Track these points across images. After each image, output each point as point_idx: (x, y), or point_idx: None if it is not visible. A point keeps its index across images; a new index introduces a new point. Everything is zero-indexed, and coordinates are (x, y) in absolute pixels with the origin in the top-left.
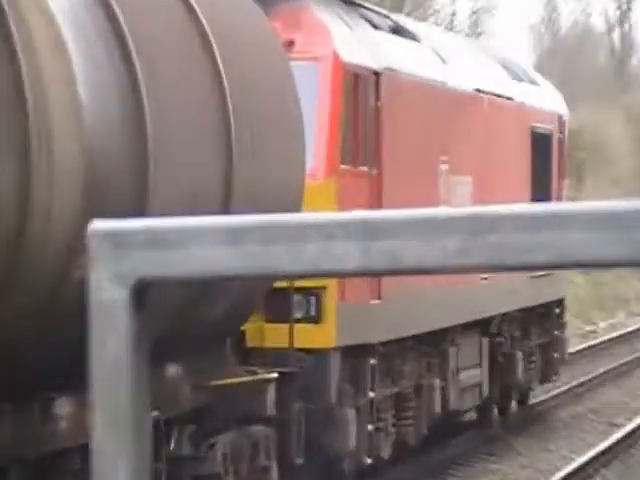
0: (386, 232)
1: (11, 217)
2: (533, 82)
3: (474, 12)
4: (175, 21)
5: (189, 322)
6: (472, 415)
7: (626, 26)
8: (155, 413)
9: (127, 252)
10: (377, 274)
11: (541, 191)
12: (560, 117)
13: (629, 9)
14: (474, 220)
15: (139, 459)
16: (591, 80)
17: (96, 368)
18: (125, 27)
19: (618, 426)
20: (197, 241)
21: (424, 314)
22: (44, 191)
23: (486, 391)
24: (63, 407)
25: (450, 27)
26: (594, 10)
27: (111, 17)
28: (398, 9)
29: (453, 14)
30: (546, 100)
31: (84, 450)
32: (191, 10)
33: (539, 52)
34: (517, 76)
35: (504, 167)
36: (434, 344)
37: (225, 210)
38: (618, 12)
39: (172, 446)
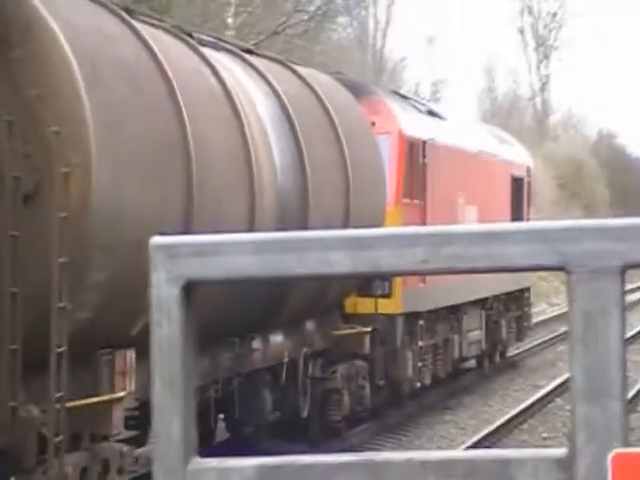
0: (369, 245)
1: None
2: (511, 144)
3: (434, 83)
4: (319, 117)
5: (319, 299)
6: (472, 363)
7: (545, 94)
8: (304, 350)
9: (178, 260)
10: (362, 276)
11: (517, 215)
12: (528, 167)
13: (547, 82)
14: (434, 236)
15: (187, 414)
16: (520, 133)
17: (155, 344)
18: (296, 122)
19: (540, 387)
20: (229, 252)
21: (449, 294)
22: (259, 205)
23: (483, 345)
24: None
25: (416, 94)
26: (522, 82)
27: (288, 117)
28: (378, 80)
29: (418, 84)
30: (519, 156)
31: (269, 369)
32: (326, 110)
33: (482, 112)
34: (501, 140)
35: (495, 199)
36: (454, 313)
37: (345, 226)
38: (540, 84)
39: (310, 370)
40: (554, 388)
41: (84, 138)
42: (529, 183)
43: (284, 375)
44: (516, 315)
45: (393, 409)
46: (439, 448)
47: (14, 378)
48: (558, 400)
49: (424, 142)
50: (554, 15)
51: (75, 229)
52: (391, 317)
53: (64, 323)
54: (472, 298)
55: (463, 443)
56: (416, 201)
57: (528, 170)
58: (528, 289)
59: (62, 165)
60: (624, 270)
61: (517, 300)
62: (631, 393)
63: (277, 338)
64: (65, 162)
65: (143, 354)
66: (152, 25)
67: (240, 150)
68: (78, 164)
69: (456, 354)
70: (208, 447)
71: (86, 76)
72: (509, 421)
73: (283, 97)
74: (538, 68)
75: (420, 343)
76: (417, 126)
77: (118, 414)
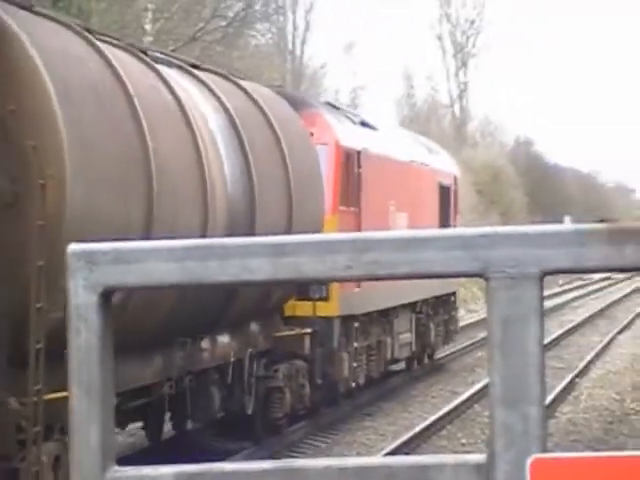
0: (291, 251)
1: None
2: (438, 153)
3: (353, 90)
4: (264, 130)
5: (261, 302)
6: (402, 365)
7: (464, 101)
8: (249, 350)
9: (96, 267)
10: (283, 283)
11: (445, 222)
12: (455, 176)
13: (465, 89)
14: (356, 242)
15: (106, 421)
16: (438, 139)
17: (73, 352)
18: (244, 135)
19: (459, 394)
20: (149, 259)
21: (381, 298)
22: (212, 216)
23: (414, 347)
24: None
25: (335, 100)
26: (441, 89)
27: (236, 130)
28: (297, 87)
29: (337, 91)
30: (446, 165)
31: (217, 368)
32: (270, 123)
33: (400, 118)
34: (430, 150)
35: (424, 206)
36: (386, 316)
37: (289, 232)
38: (458, 90)
39: (254, 369)
40: (472, 394)
41: (59, 152)
42: (456, 191)
43: (230, 374)
44: (444, 319)
45: (330, 408)
46: (358, 454)
47: None
48: (476, 406)
49: (359, 152)
50: (472, 22)
51: (51, 236)
52: (328, 320)
53: (42, 322)
54: (403, 302)
55: (382, 449)
56: (352, 208)
57: (455, 179)
58: (454, 293)
59: (39, 177)
60: (542, 276)
61: (445, 304)
62: (549, 399)
63: (224, 339)
64: (42, 174)
65: None
66: (112, 44)
67: (195, 164)
68: (53, 176)
69: (388, 355)
70: (155, 448)
71: (59, 95)
72: (428, 427)
73: (231, 111)
74: (457, 75)
75: (355, 344)
76: (352, 137)
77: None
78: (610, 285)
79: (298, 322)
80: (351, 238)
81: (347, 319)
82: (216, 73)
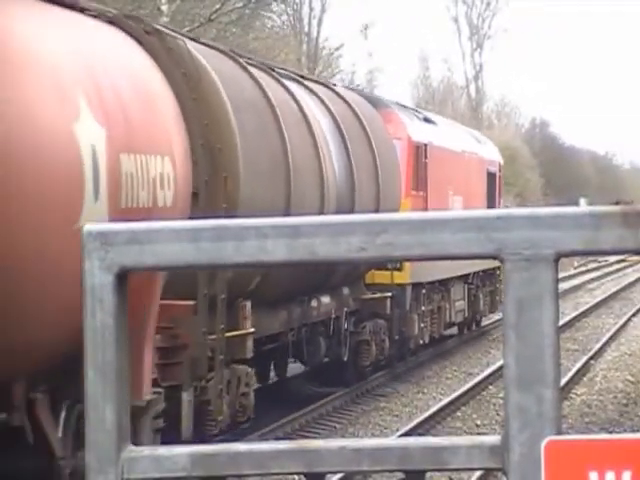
0: (305, 233)
1: (317, 211)
2: (485, 143)
3: (369, 71)
4: (357, 129)
5: (351, 272)
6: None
7: (479, 82)
8: (345, 309)
9: (112, 247)
10: (298, 264)
11: (491, 204)
12: (499, 163)
13: (481, 70)
14: (370, 224)
15: (121, 401)
16: (454, 120)
17: (88, 332)
18: (345, 135)
19: (474, 375)
20: (164, 239)
21: (442, 270)
22: (327, 199)
23: (466, 313)
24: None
25: (351, 82)
26: (456, 70)
27: (339, 130)
28: (313, 68)
29: (353, 73)
30: (492, 153)
31: (323, 322)
32: (361, 123)
33: (416, 100)
34: (478, 140)
35: (475, 191)
36: (445, 285)
37: (377, 211)
38: (473, 72)
39: (347, 325)
40: (487, 376)
41: (235, 153)
42: (500, 177)
43: (332, 328)
44: (490, 290)
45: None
46: (373, 436)
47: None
48: (491, 388)
49: (425, 145)
50: (488, 4)
51: (230, 215)
52: (402, 286)
53: (222, 279)
54: (458, 274)
55: (397, 430)
56: (420, 192)
57: (499, 166)
58: (499, 267)
59: (223, 171)
60: (557, 258)
61: (490, 277)
62: (564, 380)
63: (326, 300)
64: (225, 169)
65: (255, 305)
66: (254, 65)
67: (315, 159)
68: (231, 171)
69: (447, 319)
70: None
71: (233, 108)
72: (442, 409)
73: (335, 115)
74: (472, 56)
75: (422, 308)
76: (420, 132)
77: (250, 344)
78: (625, 267)
79: (377, 288)
80: (365, 220)
81: (416, 286)
82: (319, 82)
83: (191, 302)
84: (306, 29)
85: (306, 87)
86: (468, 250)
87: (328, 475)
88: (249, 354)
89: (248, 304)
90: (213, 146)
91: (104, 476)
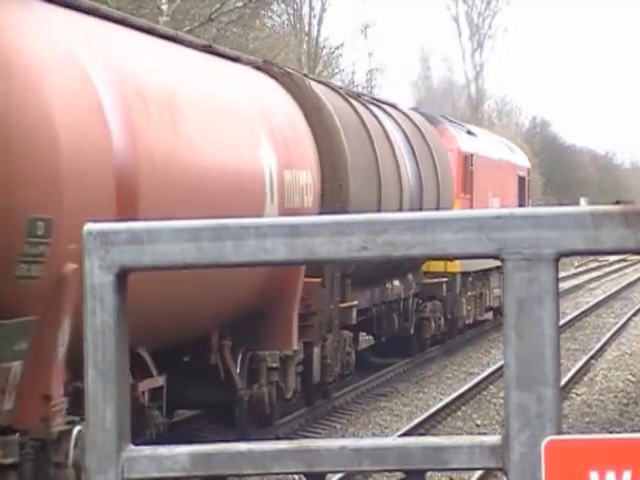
0: (305, 232)
1: (396, 209)
2: (516, 151)
3: (369, 71)
4: (422, 143)
5: (413, 261)
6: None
7: (479, 81)
8: (411, 291)
9: (112, 247)
10: (298, 264)
11: (521, 202)
12: (528, 168)
13: (481, 70)
14: (371, 224)
15: (121, 401)
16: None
17: (89, 332)
18: (415, 147)
19: (474, 374)
20: (164, 239)
21: (484, 261)
22: (404, 200)
23: (501, 299)
24: (389, 284)
25: (351, 82)
26: (456, 70)
27: (410, 144)
28: (313, 67)
29: (353, 72)
30: (521, 160)
31: (396, 301)
32: (424, 138)
33: (417, 99)
34: (511, 149)
35: (509, 193)
36: (485, 274)
37: (437, 209)
38: (474, 72)
39: (412, 305)
40: (488, 375)
41: (345, 166)
42: (529, 181)
43: (402, 306)
44: None
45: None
46: (373, 435)
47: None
48: (492, 387)
49: (471, 155)
50: (488, 3)
51: (343, 212)
52: (453, 274)
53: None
54: (496, 264)
55: (397, 430)
56: (467, 195)
57: (528, 171)
58: None
59: (338, 180)
60: (558, 258)
61: None
62: (564, 380)
63: (397, 283)
64: (339, 179)
65: (352, 284)
66: (349, 95)
67: (395, 168)
68: (343, 179)
69: (487, 304)
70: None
71: (344, 134)
72: (443, 408)
73: (406, 131)
74: (472, 56)
75: (469, 293)
76: (466, 144)
77: (354, 313)
78: (626, 267)
79: (432, 275)
80: (366, 219)
81: (464, 275)
82: (390, 104)
83: (318, 279)
84: (306, 28)
85: (383, 110)
86: (469, 250)
87: (328, 475)
88: (354, 321)
89: (350, 282)
90: (333, 162)
91: (104, 476)
